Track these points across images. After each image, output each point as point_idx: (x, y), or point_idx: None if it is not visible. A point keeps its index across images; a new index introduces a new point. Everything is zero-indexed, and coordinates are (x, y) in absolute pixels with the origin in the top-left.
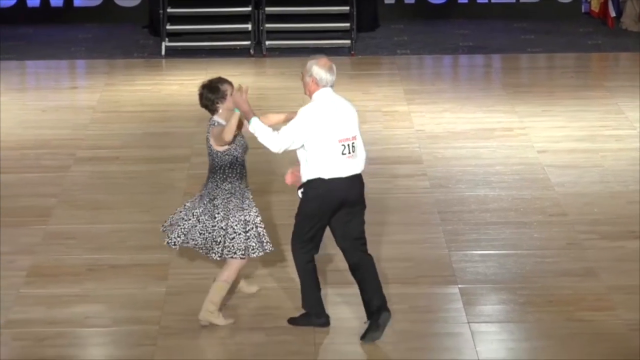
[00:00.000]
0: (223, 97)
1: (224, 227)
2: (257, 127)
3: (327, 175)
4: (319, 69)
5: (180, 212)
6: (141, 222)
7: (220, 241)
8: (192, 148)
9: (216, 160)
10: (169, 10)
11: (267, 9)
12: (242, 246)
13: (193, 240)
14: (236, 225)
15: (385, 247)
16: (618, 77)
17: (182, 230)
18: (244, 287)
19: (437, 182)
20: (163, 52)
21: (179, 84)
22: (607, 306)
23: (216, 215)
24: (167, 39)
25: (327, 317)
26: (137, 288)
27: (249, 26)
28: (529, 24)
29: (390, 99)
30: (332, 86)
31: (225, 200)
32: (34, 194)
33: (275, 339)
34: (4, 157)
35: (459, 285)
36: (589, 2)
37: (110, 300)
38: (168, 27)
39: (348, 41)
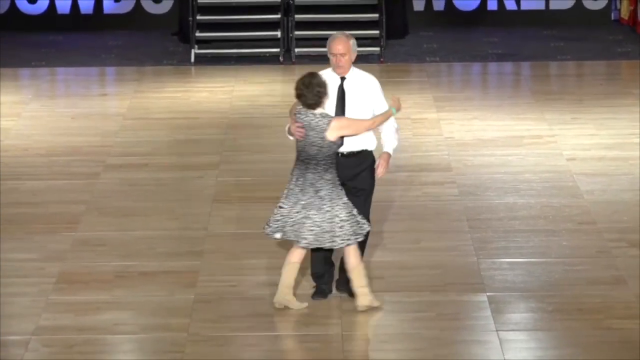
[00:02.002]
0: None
1: (331, 218)
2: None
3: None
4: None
5: (282, 208)
6: (170, 229)
7: (330, 230)
8: (221, 155)
9: (324, 150)
10: (198, 17)
11: (296, 16)
12: (351, 231)
13: (304, 239)
14: (341, 213)
15: (414, 254)
16: None
17: (293, 229)
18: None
19: (466, 189)
20: (192, 59)
21: (208, 91)
22: (636, 314)
23: (322, 207)
24: (196, 46)
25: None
26: (165, 295)
27: (278, 33)
28: (558, 31)
29: (419, 107)
30: None
31: (330, 191)
32: (64, 201)
33: (303, 346)
34: (34, 164)
35: (488, 293)
36: (619, 10)
37: (139, 307)
38: (197, 34)
39: (377, 48)
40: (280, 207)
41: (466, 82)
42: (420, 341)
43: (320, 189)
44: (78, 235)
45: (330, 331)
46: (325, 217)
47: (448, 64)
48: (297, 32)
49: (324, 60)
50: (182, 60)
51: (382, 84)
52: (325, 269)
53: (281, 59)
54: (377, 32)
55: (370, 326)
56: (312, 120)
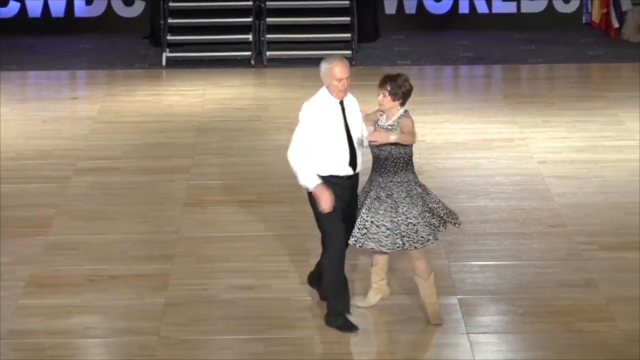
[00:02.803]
0: None
1: (404, 220)
2: None
3: None
4: None
5: (365, 219)
6: (141, 232)
7: (405, 234)
8: (192, 158)
9: (394, 151)
10: (170, 20)
11: (268, 19)
12: (423, 235)
13: (383, 247)
14: (414, 216)
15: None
16: (618, 88)
17: (374, 239)
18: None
19: (438, 192)
20: (164, 63)
21: (179, 95)
22: (606, 317)
23: (399, 209)
24: (167, 50)
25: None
26: (136, 298)
27: (250, 37)
28: (529, 35)
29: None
30: None
31: (401, 193)
32: (35, 205)
33: (274, 350)
34: (4, 168)
35: (458, 296)
36: (590, 13)
37: (110, 311)
38: (169, 37)
39: (349, 52)
40: (364, 219)
41: (437, 85)
42: (392, 344)
43: (392, 192)
44: (49, 239)
45: (301, 334)
46: (400, 220)
47: (419, 67)
48: (268, 36)
49: (295, 63)
50: (153, 64)
51: (354, 87)
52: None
53: (253, 62)
54: (348, 35)
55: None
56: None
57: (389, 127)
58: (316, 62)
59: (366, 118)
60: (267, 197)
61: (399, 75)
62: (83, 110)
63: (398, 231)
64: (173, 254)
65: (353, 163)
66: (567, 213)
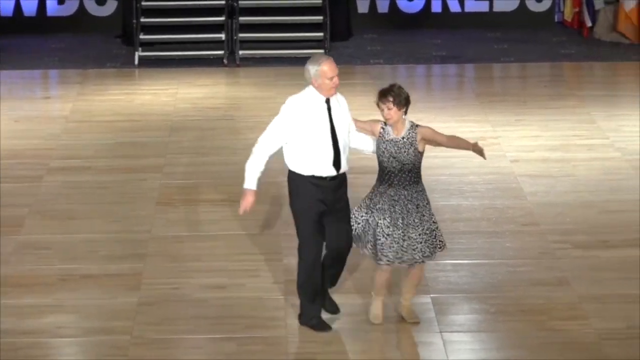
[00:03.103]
0: None
1: (429, 226)
2: None
3: None
4: None
5: (390, 235)
6: (113, 232)
7: (429, 242)
8: (165, 158)
9: (416, 162)
10: (142, 19)
11: (240, 18)
12: (441, 239)
13: (425, 257)
14: (434, 221)
15: (359, 256)
16: (591, 87)
17: (409, 253)
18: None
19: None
20: (136, 62)
21: (152, 94)
22: (579, 315)
23: (424, 216)
24: (140, 49)
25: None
26: (109, 298)
27: (222, 36)
28: (502, 34)
29: (364, 109)
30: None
31: (423, 200)
32: (7, 204)
33: (246, 349)
34: None
35: (431, 295)
36: (562, 12)
37: (82, 311)
38: (141, 36)
39: (322, 51)
40: (388, 235)
41: (410, 84)
42: (364, 343)
43: (419, 202)
44: (21, 239)
45: (274, 333)
46: (425, 228)
47: (392, 66)
48: (241, 35)
49: (268, 62)
50: (125, 63)
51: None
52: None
53: (225, 61)
54: (321, 34)
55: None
56: (408, 130)
57: (404, 139)
58: (289, 61)
59: (358, 125)
60: (240, 196)
61: (393, 85)
62: (55, 110)
63: (429, 238)
64: (145, 254)
65: (337, 163)
66: (539, 212)
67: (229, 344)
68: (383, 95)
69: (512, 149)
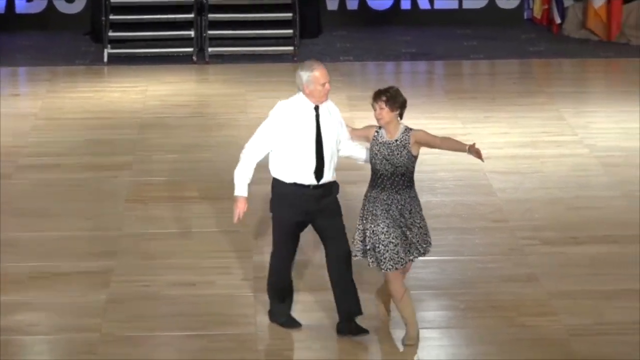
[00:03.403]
0: None
1: (418, 230)
2: None
3: None
4: None
5: (392, 242)
6: (83, 229)
7: (427, 241)
8: (134, 155)
9: (409, 166)
10: (111, 17)
11: (209, 15)
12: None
13: (406, 258)
14: (424, 225)
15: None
16: (559, 83)
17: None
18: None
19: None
20: (105, 59)
21: (121, 91)
22: (548, 311)
23: (416, 220)
24: (109, 46)
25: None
26: (79, 296)
27: (191, 33)
28: (471, 31)
29: None
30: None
31: (416, 207)
32: None
33: (216, 346)
34: None
35: None
36: (532, 9)
37: (52, 308)
38: (110, 34)
39: (291, 47)
40: (385, 240)
41: (380, 81)
42: (334, 340)
43: (412, 207)
44: None
45: (244, 330)
46: (422, 231)
47: (362, 63)
48: (210, 32)
49: (237, 59)
50: (94, 60)
51: (295, 84)
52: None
53: (194, 58)
54: (290, 31)
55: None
56: (403, 134)
57: (397, 142)
58: (258, 58)
59: (353, 133)
60: (210, 194)
61: (390, 87)
62: (25, 107)
63: (421, 239)
64: (115, 251)
65: (318, 172)
66: (509, 208)
67: (199, 341)
68: (377, 94)
69: (482, 146)
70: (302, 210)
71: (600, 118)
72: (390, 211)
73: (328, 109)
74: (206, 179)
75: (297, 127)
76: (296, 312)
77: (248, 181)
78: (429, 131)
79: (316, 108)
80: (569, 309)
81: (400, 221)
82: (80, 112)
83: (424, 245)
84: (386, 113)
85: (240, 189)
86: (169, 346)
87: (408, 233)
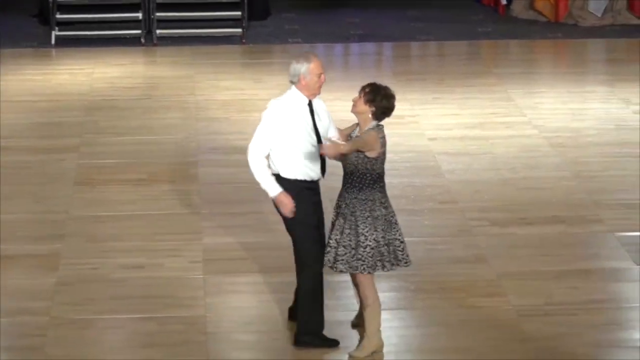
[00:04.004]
0: None
1: (362, 242)
2: None
3: None
4: None
5: (331, 238)
6: (31, 212)
7: (361, 257)
8: (82, 137)
9: (360, 166)
10: None
11: None
12: (377, 261)
13: (350, 268)
14: (374, 239)
15: (277, 235)
16: (508, 64)
17: (343, 261)
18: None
19: (329, 169)
20: (53, 42)
21: (68, 74)
22: (497, 292)
23: (359, 228)
24: (57, 28)
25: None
26: (27, 279)
27: (139, 15)
28: (419, 12)
29: (281, 88)
30: (289, 80)
31: (364, 212)
32: None
33: (166, 328)
34: None
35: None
36: None
37: (1, 292)
38: (58, 16)
39: (239, 30)
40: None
41: (328, 63)
42: (283, 323)
43: (388, 205)
44: None
45: (193, 313)
46: (399, 232)
47: (310, 44)
48: (158, 14)
49: (185, 41)
50: (42, 43)
51: (245, 65)
52: None
53: (142, 40)
54: (238, 13)
55: (233, 308)
56: (379, 130)
57: (356, 137)
58: (206, 40)
59: (340, 134)
60: (158, 176)
61: (385, 88)
62: None
63: (355, 252)
64: (64, 234)
65: (323, 166)
66: (457, 189)
67: (148, 323)
68: (366, 85)
69: (431, 127)
70: (318, 204)
71: (548, 99)
72: (340, 209)
73: (318, 102)
74: (154, 161)
75: (295, 124)
76: (248, 294)
77: (272, 177)
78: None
79: (309, 104)
80: (518, 289)
81: (338, 222)
82: (28, 94)
83: (345, 265)
84: (359, 104)
85: (274, 188)
86: (119, 329)
87: (336, 237)
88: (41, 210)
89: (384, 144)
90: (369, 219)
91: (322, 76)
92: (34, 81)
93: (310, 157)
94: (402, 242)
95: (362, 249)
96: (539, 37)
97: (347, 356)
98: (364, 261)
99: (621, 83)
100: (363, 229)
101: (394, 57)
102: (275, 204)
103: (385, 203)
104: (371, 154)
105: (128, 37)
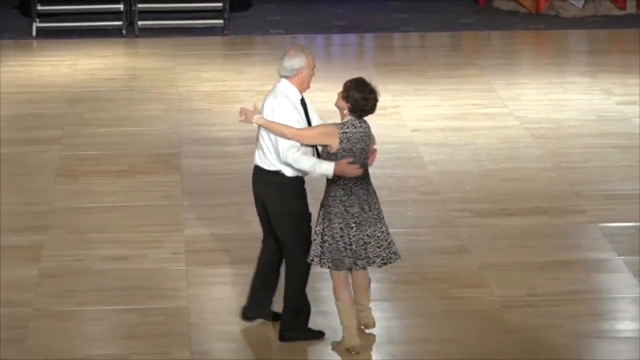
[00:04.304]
0: None
1: (385, 230)
2: None
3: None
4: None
5: (345, 238)
6: (14, 204)
7: (390, 242)
8: (64, 129)
9: (324, 158)
10: None
11: None
12: (335, 256)
13: (377, 257)
14: (331, 235)
15: (259, 226)
16: (490, 56)
17: (380, 249)
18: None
19: None
20: (34, 33)
21: (50, 65)
22: (479, 283)
23: (380, 219)
24: (38, 20)
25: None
26: (9, 270)
27: (121, 6)
28: (401, 3)
29: (263, 79)
30: (282, 74)
31: (329, 205)
32: None
33: (148, 320)
34: None
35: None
36: None
37: None
38: (39, 7)
39: (221, 21)
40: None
41: (311, 54)
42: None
43: (373, 202)
44: None
45: (176, 304)
46: (385, 229)
47: (292, 36)
48: (140, 5)
49: (167, 33)
50: (23, 34)
51: (227, 57)
52: None
53: (124, 32)
54: (220, 4)
55: (216, 299)
56: (366, 127)
57: None
58: (188, 31)
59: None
60: (140, 168)
61: (365, 85)
62: None
63: (388, 241)
64: (46, 225)
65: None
66: (439, 180)
67: (130, 315)
68: (349, 81)
69: (412, 119)
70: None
71: (530, 90)
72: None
73: (305, 96)
74: (136, 152)
75: (300, 118)
76: (230, 285)
77: (318, 159)
78: None
79: (302, 99)
80: (500, 280)
81: (318, 216)
82: (9, 86)
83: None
84: (339, 98)
85: (329, 165)
86: (101, 320)
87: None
88: (23, 202)
89: (347, 141)
90: (332, 215)
91: (314, 69)
92: (16, 72)
93: (306, 153)
94: (383, 239)
95: (327, 245)
96: (520, 28)
97: (331, 347)
98: (325, 256)
99: (603, 74)
100: (330, 225)
101: (376, 48)
102: (337, 175)
103: (349, 201)
104: (331, 150)
105: (110, 28)
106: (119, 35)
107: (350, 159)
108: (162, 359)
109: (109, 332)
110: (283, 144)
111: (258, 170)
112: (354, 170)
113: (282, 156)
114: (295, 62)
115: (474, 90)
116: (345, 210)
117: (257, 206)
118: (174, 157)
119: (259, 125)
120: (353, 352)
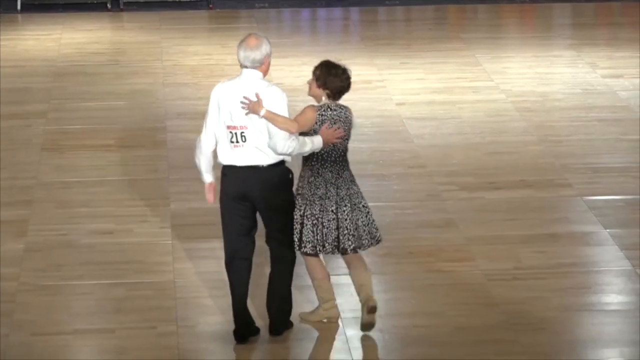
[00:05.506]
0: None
1: (368, 211)
2: None
3: (223, 160)
4: (238, 48)
5: (320, 221)
6: None
7: (372, 224)
8: (49, 103)
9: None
10: None
11: None
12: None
13: (365, 239)
14: (300, 215)
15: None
16: (475, 29)
17: (349, 235)
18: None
19: None
20: (19, 7)
21: (35, 39)
22: (466, 257)
23: (361, 201)
24: None
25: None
26: None
27: None
28: None
29: None
30: (250, 65)
31: (356, 183)
32: None
33: (135, 294)
34: None
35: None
36: None
37: None
38: None
39: None
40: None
41: (295, 28)
42: (251, 287)
43: (352, 184)
44: None
45: (162, 278)
46: (365, 211)
47: (277, 10)
48: None
49: (152, 7)
50: (8, 8)
51: (212, 30)
52: None
53: (109, 6)
54: None
55: (202, 273)
56: (342, 111)
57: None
58: (173, 5)
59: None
60: (126, 142)
61: (335, 66)
62: None
63: (370, 224)
64: (32, 200)
65: None
66: (426, 154)
67: (117, 289)
68: (318, 65)
69: (398, 92)
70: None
71: (515, 63)
72: None
73: None
74: (122, 127)
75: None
76: (217, 259)
77: (308, 137)
78: None
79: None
80: (487, 254)
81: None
82: None
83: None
84: (313, 86)
85: (317, 138)
86: (88, 294)
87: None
88: (9, 176)
89: (321, 123)
90: (301, 196)
91: None
92: (0, 47)
93: (297, 137)
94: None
95: (304, 228)
96: (506, 1)
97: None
98: (296, 243)
99: (588, 47)
100: (298, 206)
101: (361, 22)
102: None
103: (316, 183)
104: (304, 131)
105: (95, 2)
106: (104, 9)
107: (327, 124)
108: (148, 333)
109: (95, 306)
110: (281, 135)
111: (251, 171)
112: (336, 132)
113: (284, 148)
114: (263, 50)
115: (459, 63)
116: (311, 192)
117: (233, 214)
118: (159, 131)
119: (265, 118)
120: (333, 321)
